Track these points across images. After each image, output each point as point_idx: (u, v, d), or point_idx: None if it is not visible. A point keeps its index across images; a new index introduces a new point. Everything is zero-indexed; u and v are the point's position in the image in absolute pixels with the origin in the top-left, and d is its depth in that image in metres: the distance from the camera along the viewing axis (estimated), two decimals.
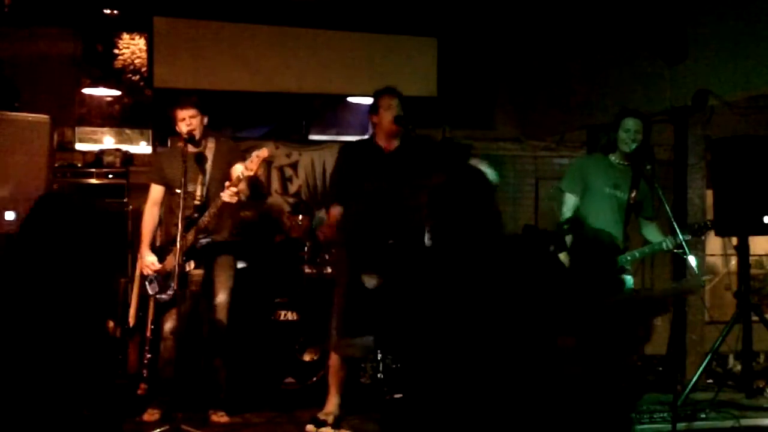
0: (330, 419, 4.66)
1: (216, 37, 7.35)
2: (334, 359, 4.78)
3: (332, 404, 4.75)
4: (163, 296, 4.91)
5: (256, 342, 5.50)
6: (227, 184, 4.75)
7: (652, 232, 5.23)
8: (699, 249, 6.31)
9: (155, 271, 4.94)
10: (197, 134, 4.89)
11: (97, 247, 2.58)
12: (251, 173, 4.66)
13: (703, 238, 5.63)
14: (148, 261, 4.95)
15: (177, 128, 4.96)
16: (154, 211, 5.06)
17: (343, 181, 4.86)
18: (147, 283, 4.99)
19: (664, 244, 5.02)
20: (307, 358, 5.44)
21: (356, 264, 4.62)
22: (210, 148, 5.02)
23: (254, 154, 4.67)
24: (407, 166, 4.76)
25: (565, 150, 8.42)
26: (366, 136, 5.07)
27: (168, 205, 5.07)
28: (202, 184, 4.92)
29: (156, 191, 5.06)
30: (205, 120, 5.00)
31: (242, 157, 4.98)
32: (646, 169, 5.10)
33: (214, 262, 4.99)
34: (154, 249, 5.03)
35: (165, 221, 5.17)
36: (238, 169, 4.72)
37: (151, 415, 4.93)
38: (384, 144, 4.82)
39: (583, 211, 5.07)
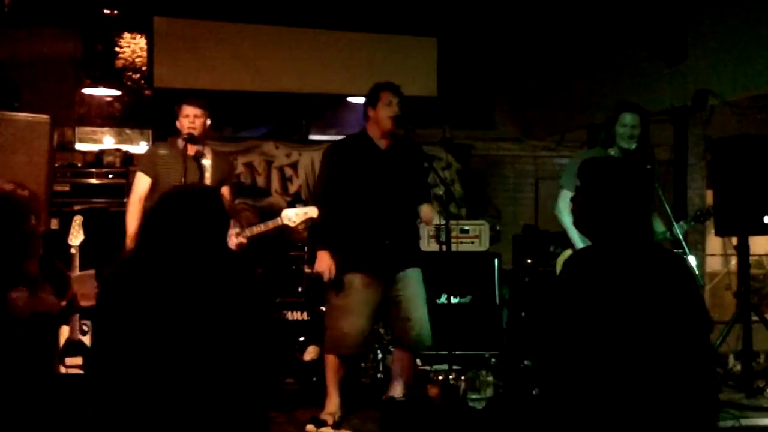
0: (330, 419, 4.66)
1: (216, 36, 7.36)
2: (331, 359, 4.77)
3: (333, 404, 4.73)
4: None
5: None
6: (238, 231, 4.76)
7: (655, 223, 5.23)
8: (699, 249, 6.31)
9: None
10: (197, 134, 4.83)
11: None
12: (290, 225, 4.77)
13: (705, 223, 5.62)
14: None
15: (178, 124, 4.84)
16: (141, 206, 4.84)
17: (331, 200, 4.76)
18: None
19: (667, 234, 5.01)
20: (307, 357, 5.44)
21: (353, 264, 4.61)
22: (208, 153, 4.96)
23: (304, 212, 4.74)
24: (402, 165, 4.73)
25: (565, 150, 8.43)
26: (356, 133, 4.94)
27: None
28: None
29: (144, 183, 4.86)
30: (208, 122, 4.94)
31: (233, 169, 4.99)
32: (646, 168, 5.10)
33: None
34: None
35: None
36: (285, 217, 4.77)
37: None
38: (378, 140, 4.76)
39: None
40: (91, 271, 3.78)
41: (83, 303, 3.77)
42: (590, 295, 2.54)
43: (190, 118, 4.80)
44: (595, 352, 2.52)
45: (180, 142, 4.85)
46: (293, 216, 4.73)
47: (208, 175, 4.88)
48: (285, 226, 4.82)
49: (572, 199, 2.80)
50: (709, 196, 6.27)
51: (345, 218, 4.70)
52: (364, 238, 4.62)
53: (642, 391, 2.50)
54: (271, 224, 4.76)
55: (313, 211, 4.71)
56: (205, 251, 2.60)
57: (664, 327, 2.53)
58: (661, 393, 2.51)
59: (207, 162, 4.90)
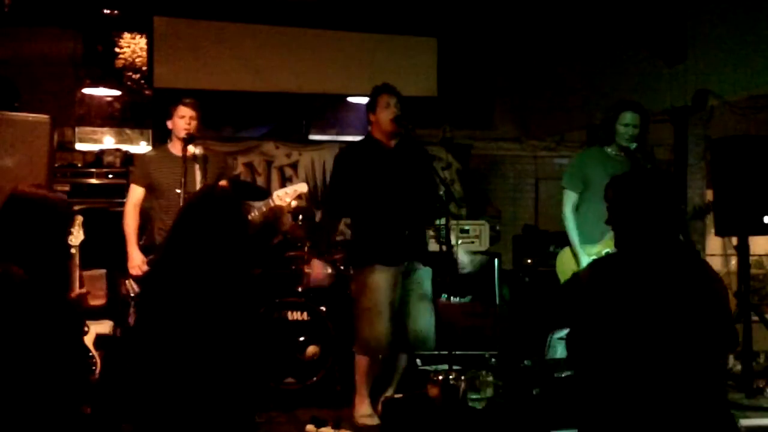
0: (371, 421, 4.65)
1: (216, 37, 7.36)
2: (363, 360, 4.77)
3: (365, 406, 4.72)
4: None
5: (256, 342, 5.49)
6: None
7: None
8: (699, 249, 6.31)
9: (144, 272, 4.86)
10: (194, 134, 4.86)
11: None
12: (283, 205, 4.76)
13: (705, 221, 5.62)
14: (139, 261, 4.87)
15: (170, 123, 4.88)
16: (136, 212, 4.93)
17: (345, 196, 4.85)
18: (134, 283, 4.91)
19: None
20: (307, 357, 5.43)
21: (378, 258, 4.66)
22: (203, 151, 4.97)
23: (294, 189, 4.73)
24: (409, 163, 4.78)
25: (565, 150, 8.44)
26: (362, 137, 5.03)
27: (154, 207, 4.99)
28: (201, 183, 4.89)
29: (137, 193, 4.95)
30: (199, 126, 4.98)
31: (228, 168, 5.06)
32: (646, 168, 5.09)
33: None
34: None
35: (153, 222, 5.08)
36: (277, 198, 4.77)
37: None
38: (384, 142, 4.81)
39: (585, 205, 5.05)
40: (102, 271, 3.77)
41: (93, 302, 3.76)
42: (616, 299, 2.68)
43: (186, 119, 4.85)
44: (617, 350, 2.66)
45: (178, 144, 4.89)
46: (283, 195, 4.73)
47: (206, 174, 4.90)
48: (278, 207, 4.82)
49: (606, 222, 2.97)
50: (709, 196, 6.28)
51: (366, 218, 4.77)
52: (385, 231, 4.66)
53: (659, 391, 2.60)
54: (264, 208, 4.77)
55: (302, 187, 4.74)
56: (225, 257, 2.81)
57: (684, 333, 2.66)
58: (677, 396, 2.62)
59: (204, 161, 4.92)
